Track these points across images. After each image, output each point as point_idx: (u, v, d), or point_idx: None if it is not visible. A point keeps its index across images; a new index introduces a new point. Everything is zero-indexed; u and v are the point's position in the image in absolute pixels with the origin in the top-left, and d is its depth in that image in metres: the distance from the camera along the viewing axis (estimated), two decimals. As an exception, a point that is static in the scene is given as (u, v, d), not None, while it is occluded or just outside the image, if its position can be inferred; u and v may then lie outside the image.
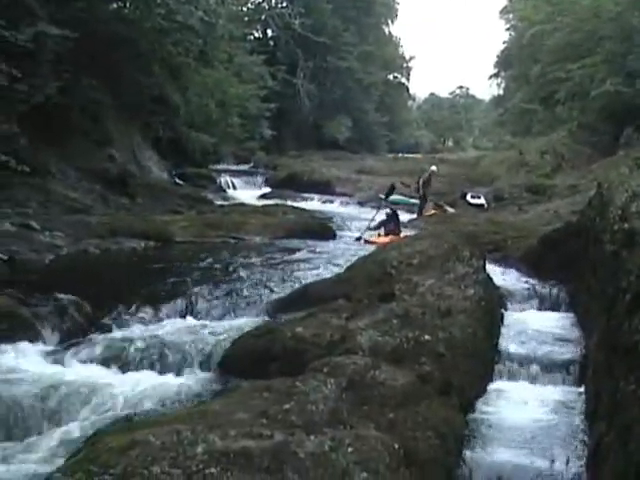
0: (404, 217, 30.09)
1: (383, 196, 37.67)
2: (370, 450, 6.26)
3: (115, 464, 5.41)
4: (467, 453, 7.67)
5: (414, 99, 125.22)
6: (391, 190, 27.10)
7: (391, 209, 23.22)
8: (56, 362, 10.37)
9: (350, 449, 6.10)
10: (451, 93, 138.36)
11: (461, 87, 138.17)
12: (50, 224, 19.57)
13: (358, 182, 43.84)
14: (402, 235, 20.77)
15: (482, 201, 34.24)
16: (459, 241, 13.47)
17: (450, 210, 31.66)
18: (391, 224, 22.28)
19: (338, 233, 23.79)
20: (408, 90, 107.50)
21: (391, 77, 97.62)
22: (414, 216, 30.30)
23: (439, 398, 8.14)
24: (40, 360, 10.41)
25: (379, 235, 22.06)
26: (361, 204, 38.04)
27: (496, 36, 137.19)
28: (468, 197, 34.69)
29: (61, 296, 12.73)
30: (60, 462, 6.65)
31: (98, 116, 28.01)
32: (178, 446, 5.63)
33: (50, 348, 11.01)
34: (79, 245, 18.32)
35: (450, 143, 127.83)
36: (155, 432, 5.94)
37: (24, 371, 9.77)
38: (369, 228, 22.97)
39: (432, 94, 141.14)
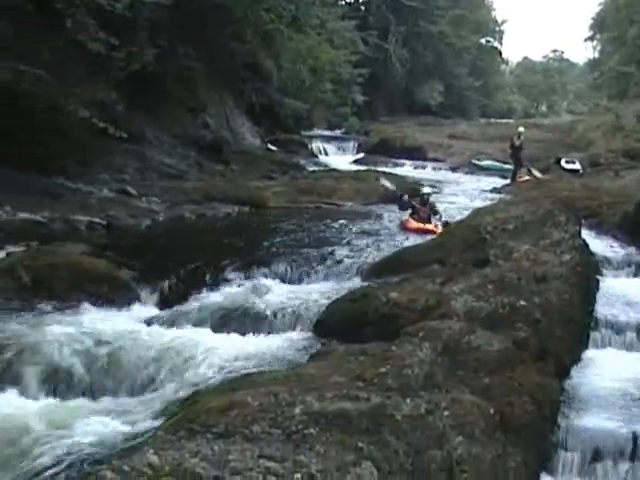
0: (497, 182, 29.89)
1: (476, 161, 37.56)
2: (466, 414, 6.29)
3: (216, 423, 5.52)
4: (562, 420, 7.63)
5: (507, 63, 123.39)
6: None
7: (427, 194, 19.14)
8: (155, 324, 10.57)
9: (446, 413, 6.14)
10: (545, 57, 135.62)
11: (555, 51, 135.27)
12: (147, 190, 19.94)
13: (450, 147, 43.54)
14: (430, 226, 17.47)
15: (577, 166, 33.66)
16: (554, 206, 13.30)
17: (538, 175, 31.18)
18: (425, 210, 18.25)
19: (430, 198, 23.63)
20: (501, 54, 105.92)
21: (483, 41, 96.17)
22: (507, 181, 29.96)
23: (535, 364, 8.11)
24: (139, 322, 10.63)
25: (418, 221, 17.92)
26: (453, 169, 37.82)
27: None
28: (563, 162, 34.13)
29: (158, 260, 13.00)
30: (159, 421, 6.83)
31: (192, 83, 28.26)
32: (276, 407, 5.72)
33: (149, 310, 11.26)
34: (175, 210, 18.65)
35: (544, 108, 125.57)
36: (253, 394, 6.05)
37: (124, 333, 9.97)
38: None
39: (525, 58, 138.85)
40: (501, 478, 6.22)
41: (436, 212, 18.35)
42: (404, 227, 17.77)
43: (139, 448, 5.23)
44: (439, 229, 16.81)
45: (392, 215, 19.40)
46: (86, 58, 18.56)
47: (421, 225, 17.51)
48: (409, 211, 18.49)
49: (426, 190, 19.60)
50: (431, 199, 19.09)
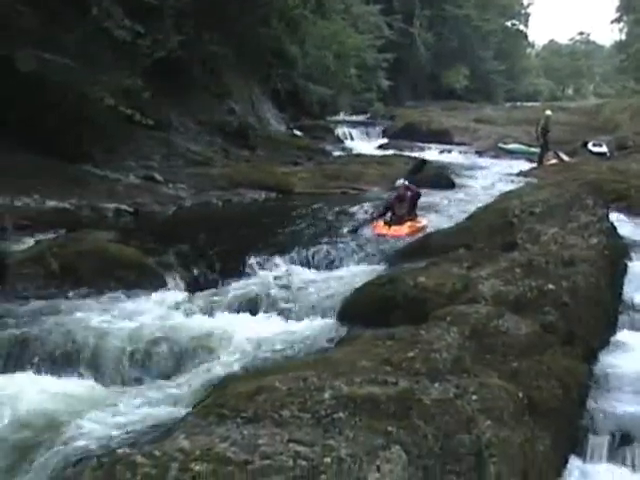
0: (524, 166, 29.72)
1: (502, 145, 37.34)
2: (494, 398, 6.29)
3: (245, 408, 5.55)
4: (590, 403, 7.61)
5: (533, 46, 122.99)
6: None
7: (409, 183, 16.28)
8: (182, 310, 10.63)
9: (474, 397, 6.14)
10: (571, 39, 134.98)
11: (581, 33, 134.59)
12: (173, 176, 20.06)
13: (476, 131, 43.31)
14: (421, 225, 15.57)
15: (604, 149, 33.39)
16: (582, 190, 13.22)
17: (565, 158, 30.97)
18: (404, 206, 15.75)
19: (457, 182, 23.58)
20: (527, 37, 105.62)
21: (509, 24, 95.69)
22: (534, 165, 29.79)
23: (562, 348, 8.08)
24: (167, 308, 10.69)
25: (386, 223, 15.40)
26: (479, 153, 37.60)
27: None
28: (589, 145, 33.87)
29: (185, 246, 13.06)
30: (189, 405, 6.87)
31: (217, 69, 28.33)
32: (305, 392, 5.74)
33: (177, 296, 11.30)
34: (201, 197, 18.76)
35: (570, 91, 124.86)
36: (281, 378, 6.08)
37: (153, 319, 10.06)
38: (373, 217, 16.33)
39: (551, 41, 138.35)
40: (530, 462, 6.21)
41: (414, 208, 16.00)
42: (373, 231, 15.31)
43: (170, 433, 5.28)
44: (415, 228, 15.17)
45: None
46: (112, 46, 18.63)
47: (384, 230, 15.09)
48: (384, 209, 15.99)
49: (401, 183, 16.23)
50: (408, 193, 15.95)
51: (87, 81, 17.96)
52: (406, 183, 16.11)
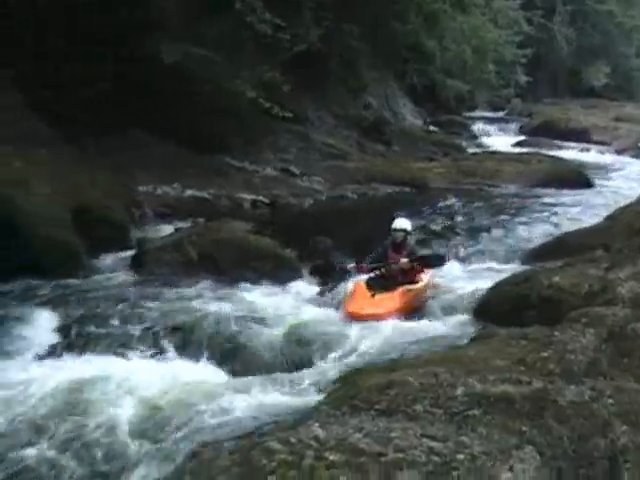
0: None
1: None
2: (631, 402, 6.15)
3: (378, 401, 5.58)
4: None
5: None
6: None
7: (403, 231, 11.29)
8: (317, 302, 10.76)
9: (610, 400, 6.01)
10: None
11: None
12: (309, 169, 20.26)
13: (616, 130, 42.25)
14: (418, 288, 10.91)
15: None
16: None
17: None
18: (400, 259, 11.08)
19: (595, 182, 23.11)
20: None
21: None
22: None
23: None
24: (302, 300, 10.83)
25: (369, 287, 10.66)
26: (619, 153, 36.70)
27: None
28: None
29: (320, 238, 13.17)
30: (319, 395, 6.93)
31: (354, 64, 28.34)
32: (437, 387, 5.73)
33: (312, 289, 11.42)
34: (337, 190, 18.91)
35: None
36: (412, 373, 6.08)
37: (287, 310, 10.22)
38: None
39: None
40: (665, 470, 6.08)
41: (424, 259, 11.25)
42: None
43: (304, 421, 5.35)
44: (409, 298, 10.61)
45: (554, 197, 19.10)
46: (253, 39, 18.88)
47: (359, 307, 10.16)
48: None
49: (400, 224, 11.42)
50: (411, 241, 11.61)
51: (228, 74, 18.27)
52: (407, 227, 11.46)
